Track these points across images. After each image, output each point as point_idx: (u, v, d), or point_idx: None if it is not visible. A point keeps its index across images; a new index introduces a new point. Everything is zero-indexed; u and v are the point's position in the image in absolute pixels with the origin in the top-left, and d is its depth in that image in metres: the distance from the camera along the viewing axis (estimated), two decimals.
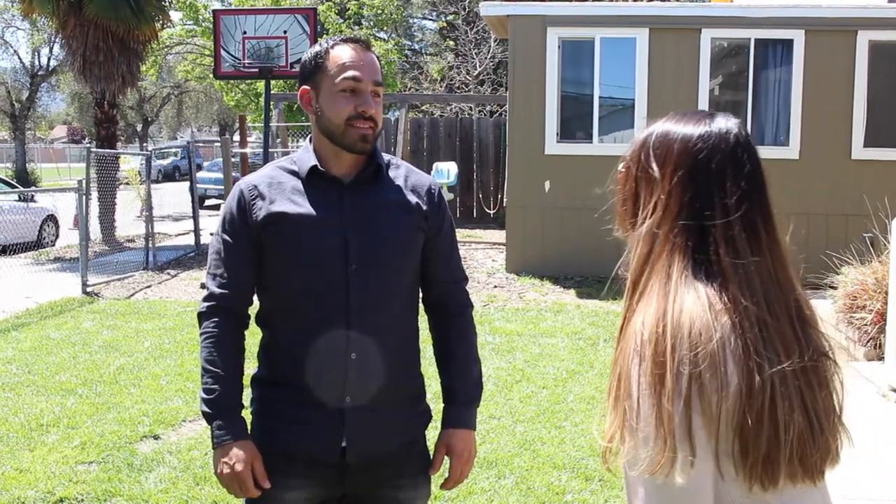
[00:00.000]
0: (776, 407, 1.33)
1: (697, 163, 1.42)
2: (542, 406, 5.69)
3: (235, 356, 2.17)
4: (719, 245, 1.38)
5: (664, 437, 1.30)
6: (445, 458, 2.27)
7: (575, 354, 7.06)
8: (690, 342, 1.31)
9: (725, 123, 1.46)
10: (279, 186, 2.14)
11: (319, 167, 2.14)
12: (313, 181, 2.14)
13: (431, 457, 2.30)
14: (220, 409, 2.10)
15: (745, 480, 1.35)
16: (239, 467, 2.07)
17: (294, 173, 2.17)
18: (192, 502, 4.25)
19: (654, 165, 1.45)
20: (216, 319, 2.16)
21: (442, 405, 2.31)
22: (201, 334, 2.18)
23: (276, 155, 13.31)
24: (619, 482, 4.45)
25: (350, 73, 2.09)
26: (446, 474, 2.30)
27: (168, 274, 11.59)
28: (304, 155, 2.19)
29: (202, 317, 2.18)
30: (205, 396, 2.12)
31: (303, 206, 2.11)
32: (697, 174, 1.41)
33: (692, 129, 1.45)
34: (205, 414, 2.12)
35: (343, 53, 2.12)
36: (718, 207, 1.40)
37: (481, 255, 12.44)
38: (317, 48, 2.17)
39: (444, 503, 4.18)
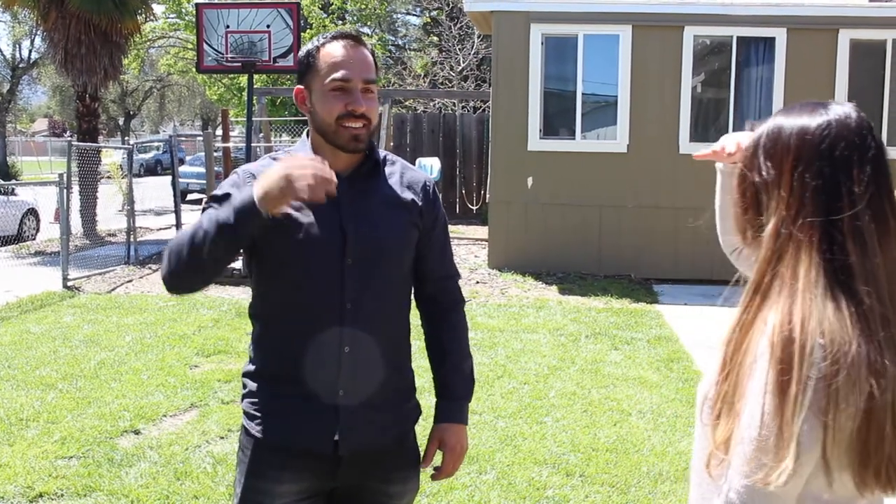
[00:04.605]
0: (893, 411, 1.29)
1: (820, 154, 1.36)
2: (524, 402, 5.70)
3: None
4: (846, 238, 1.33)
5: (785, 446, 1.26)
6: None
7: (556, 350, 7.08)
8: (824, 349, 1.26)
9: (843, 109, 1.40)
10: None
11: None
12: None
13: (421, 450, 2.31)
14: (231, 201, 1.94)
15: (864, 485, 1.31)
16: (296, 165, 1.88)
17: None
18: (172, 497, 4.24)
19: (770, 165, 1.41)
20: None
21: (430, 399, 2.31)
22: (175, 248, 1.96)
23: (258, 149, 13.27)
24: (599, 478, 4.47)
25: (338, 72, 2.07)
26: (430, 469, 2.32)
27: (150, 268, 11.52)
28: (301, 149, 2.17)
29: (171, 243, 1.99)
30: (217, 221, 1.91)
31: None
32: (821, 165, 1.36)
33: (808, 121, 1.40)
34: (230, 218, 1.90)
35: (333, 51, 2.09)
36: (846, 197, 1.34)
37: (464, 250, 12.46)
38: (309, 46, 2.15)
39: (426, 498, 4.19)
